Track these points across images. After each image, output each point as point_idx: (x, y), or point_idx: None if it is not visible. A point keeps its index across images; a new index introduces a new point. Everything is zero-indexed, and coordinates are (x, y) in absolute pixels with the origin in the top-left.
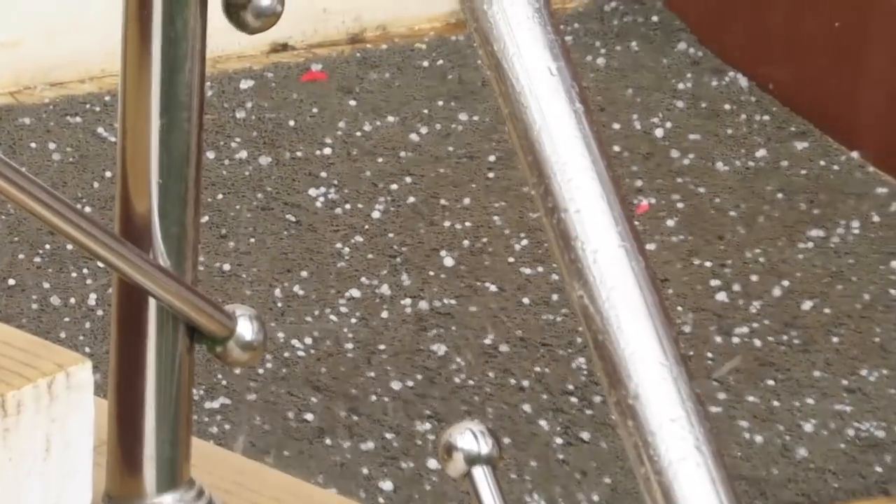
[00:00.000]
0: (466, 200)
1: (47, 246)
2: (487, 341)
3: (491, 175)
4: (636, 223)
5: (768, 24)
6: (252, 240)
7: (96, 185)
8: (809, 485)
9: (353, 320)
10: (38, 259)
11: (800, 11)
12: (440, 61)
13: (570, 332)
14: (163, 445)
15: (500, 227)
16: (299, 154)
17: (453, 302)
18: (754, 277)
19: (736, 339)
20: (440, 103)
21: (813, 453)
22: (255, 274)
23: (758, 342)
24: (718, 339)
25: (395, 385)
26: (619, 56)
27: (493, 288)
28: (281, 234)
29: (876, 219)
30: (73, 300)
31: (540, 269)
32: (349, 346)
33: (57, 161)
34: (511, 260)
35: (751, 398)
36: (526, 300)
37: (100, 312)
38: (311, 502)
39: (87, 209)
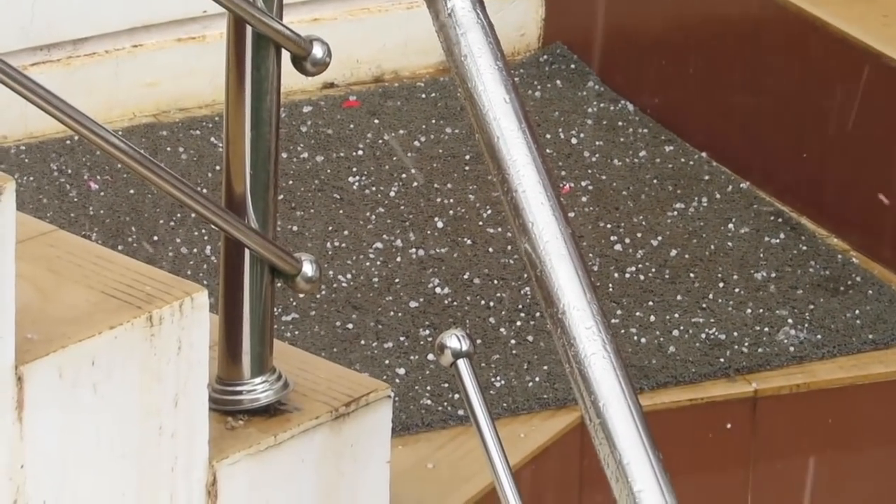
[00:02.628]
0: (449, 185)
1: (178, 214)
2: (465, 277)
3: (467, 168)
4: (562, 199)
5: (645, 68)
6: (311, 210)
7: (210, 175)
8: (676, 370)
9: (378, 263)
10: (172, 223)
11: (667, 62)
12: (433, 94)
13: (520, 270)
14: (254, 344)
15: (473, 202)
16: (342, 154)
17: (443, 251)
18: (639, 234)
19: (627, 276)
20: (433, 121)
21: (678, 350)
22: (314, 233)
23: (641, 277)
24: (616, 275)
25: (406, 305)
26: (548, 91)
27: (468, 242)
28: (330, 207)
29: (718, 196)
30: (195, 250)
31: (500, 229)
32: (375, 279)
33: (184, 159)
34: (480, 223)
35: (637, 314)
36: (490, 249)
37: (213, 259)
38: (350, 381)
39: (204, 190)
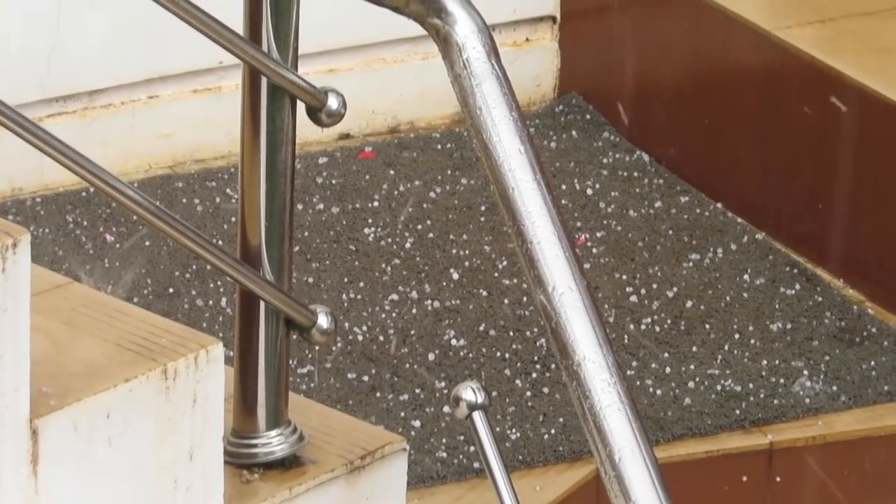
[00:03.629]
0: (465, 236)
1: (194, 266)
2: (481, 328)
3: (482, 219)
4: (577, 250)
5: (660, 118)
6: (327, 262)
7: (226, 226)
8: (692, 422)
9: (394, 315)
10: (188, 275)
11: (683, 112)
12: (449, 145)
13: (536, 321)
14: (270, 397)
15: (488, 253)
16: (358, 206)
17: (458, 302)
18: (654, 286)
19: (643, 327)
20: (448, 172)
21: (694, 402)
22: (329, 284)
23: (657, 328)
24: (632, 326)
25: (422, 357)
26: (564, 141)
27: (484, 293)
28: (346, 259)
29: (733, 247)
30: (210, 302)
31: (515, 280)
32: (391, 331)
33: (200, 211)
34: (496, 275)
35: (653, 365)
36: (506, 301)
37: (228, 311)
38: (366, 434)
39: (220, 242)
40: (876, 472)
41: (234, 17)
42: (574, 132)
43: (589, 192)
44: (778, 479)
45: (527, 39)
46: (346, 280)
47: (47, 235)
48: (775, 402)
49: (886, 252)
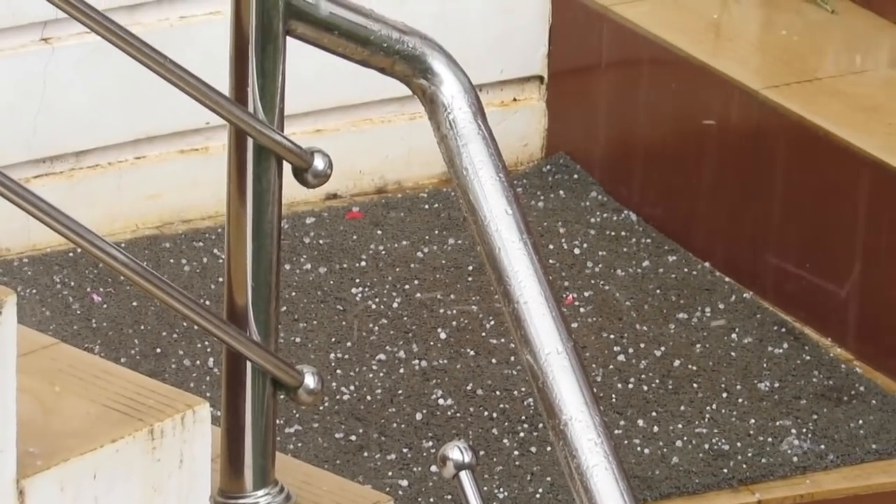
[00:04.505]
0: (452, 296)
1: (182, 327)
2: (468, 388)
3: (470, 279)
4: (564, 310)
5: (648, 178)
6: (314, 322)
7: (213, 286)
8: (680, 481)
9: (381, 374)
10: (175, 335)
11: (670, 171)
12: (436, 205)
13: (523, 381)
14: (257, 457)
15: (476, 313)
16: (345, 266)
17: (446, 362)
18: (642, 345)
19: (630, 386)
20: (436, 232)
21: (682, 460)
22: (317, 344)
23: (644, 387)
24: (619, 385)
25: (409, 416)
26: (551, 201)
27: (471, 353)
28: (333, 318)
29: (720, 306)
30: (198, 362)
31: (502, 340)
32: (378, 391)
33: (187, 271)
34: (483, 334)
35: (641, 424)
36: (493, 360)
37: (216, 371)
38: (353, 494)
39: (207, 302)
40: None
41: (220, 77)
42: (562, 192)
43: (576, 251)
44: None
45: (514, 99)
46: (333, 340)
47: (34, 296)
48: (763, 460)
49: (874, 311)
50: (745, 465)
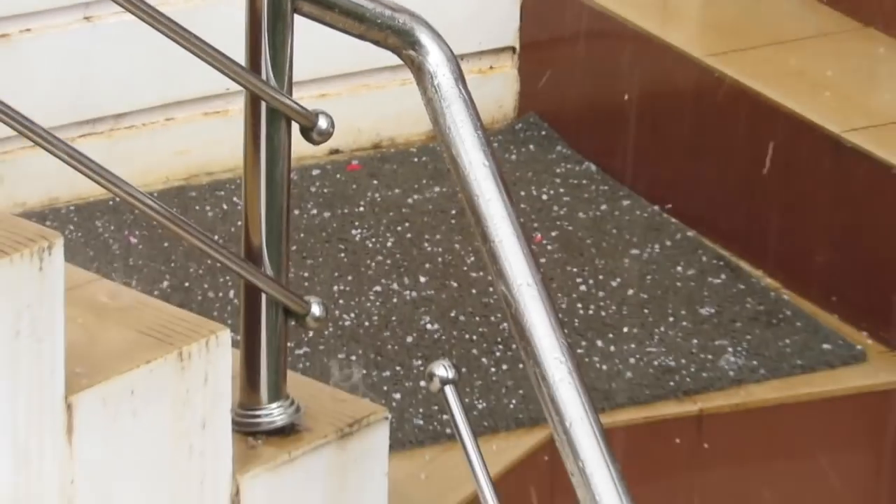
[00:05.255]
0: (438, 236)
1: (206, 264)
2: (452, 314)
3: (453, 221)
4: (534, 248)
5: (606, 134)
6: (320, 259)
7: (232, 229)
8: (633, 393)
9: (377, 303)
10: (200, 271)
11: (625, 128)
12: (424, 158)
13: (498, 308)
14: (270, 375)
15: (458, 250)
16: (346, 210)
17: (432, 292)
18: (600, 277)
19: (591, 312)
20: (424, 181)
21: (634, 375)
22: (322, 279)
23: (603, 313)
24: (581, 311)
25: (401, 339)
26: (522, 154)
27: (455, 284)
28: (336, 256)
29: (668, 243)
30: (220, 294)
31: (481, 273)
32: (375, 318)
33: (210, 216)
34: (465, 269)
35: (599, 344)
36: (473, 290)
37: (235, 301)
38: (353, 405)
39: (227, 242)
40: (790, 434)
41: (238, 49)
42: (531, 146)
43: (544, 197)
44: (706, 444)
45: (490, 67)
46: (336, 275)
47: (80, 238)
48: (704, 374)
49: (799, 246)
50: (688, 379)
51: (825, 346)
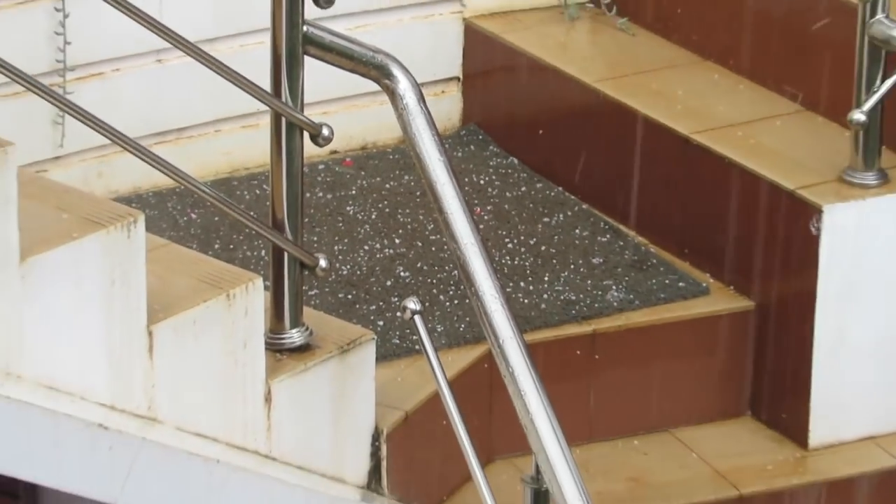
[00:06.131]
0: (408, 210)
1: (246, 230)
2: (419, 266)
3: (418, 200)
4: (475, 218)
5: (525, 137)
6: (325, 228)
7: (263, 208)
8: (546, 319)
9: (366, 259)
10: (241, 237)
11: (538, 132)
12: (397, 156)
13: (450, 260)
14: (291, 309)
15: (422, 220)
16: (342, 193)
17: (404, 250)
18: (522, 238)
19: (516, 263)
20: (397, 172)
21: (547, 307)
22: (326, 241)
23: (525, 263)
24: (509, 262)
25: (384, 284)
26: (466, 152)
27: (420, 245)
28: (335, 226)
29: (569, 213)
30: (255, 254)
31: (438, 237)
32: (364, 268)
33: (248, 198)
34: (426, 233)
35: (522, 285)
36: (433, 249)
37: (266, 258)
38: (350, 330)
39: (259, 216)
40: (658, 347)
41: (264, 80)
42: (472, 147)
43: (481, 182)
44: (597, 356)
45: (442, 91)
46: (336, 238)
47: (156, 215)
48: (596, 305)
49: (661, 214)
50: (585, 308)
51: (681, 284)
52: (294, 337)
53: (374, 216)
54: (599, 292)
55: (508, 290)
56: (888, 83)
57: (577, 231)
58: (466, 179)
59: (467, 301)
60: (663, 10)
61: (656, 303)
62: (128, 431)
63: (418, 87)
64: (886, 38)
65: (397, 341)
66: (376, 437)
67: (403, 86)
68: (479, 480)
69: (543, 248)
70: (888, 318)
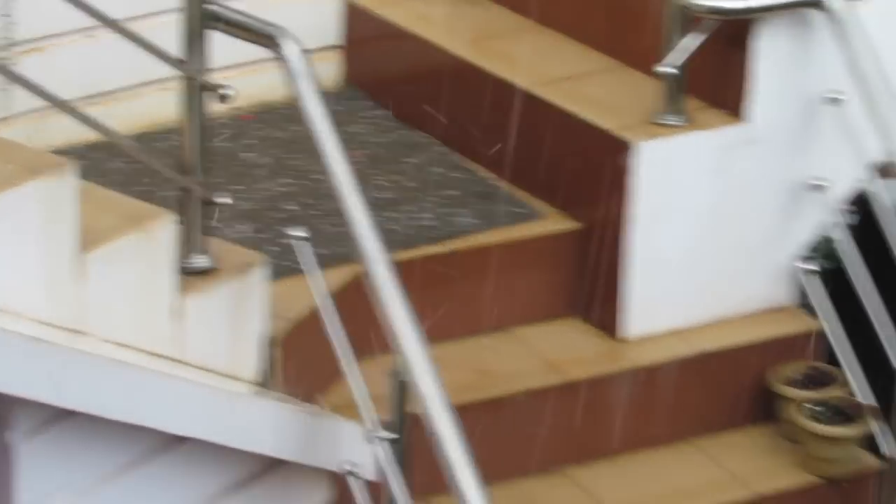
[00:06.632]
0: (298, 153)
1: (162, 176)
2: (304, 201)
3: (305, 144)
4: (353, 160)
5: (391, 91)
6: (227, 171)
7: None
8: (409, 240)
9: (260, 197)
10: (157, 182)
11: (402, 89)
12: (289, 110)
13: (330, 195)
14: (198, 238)
15: (307, 160)
16: (244, 142)
17: (294, 188)
18: (390, 175)
19: (385, 195)
20: (287, 123)
21: (410, 230)
22: (228, 181)
23: (392, 194)
24: (378, 194)
25: (275, 217)
26: (343, 105)
27: (306, 182)
28: (234, 170)
29: (426, 154)
30: (169, 194)
31: (321, 176)
32: (260, 204)
33: (166, 147)
34: (312, 173)
35: (386, 214)
36: (317, 186)
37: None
38: (248, 255)
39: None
40: (502, 261)
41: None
42: (349, 102)
43: (357, 130)
44: (452, 271)
45: (325, 56)
46: (236, 180)
47: (87, 164)
48: (450, 229)
49: (504, 152)
50: (440, 232)
51: (520, 210)
52: (200, 262)
53: (268, 160)
54: (454, 218)
55: (377, 217)
56: (688, 39)
57: (435, 169)
58: (344, 129)
59: (343, 227)
60: None
61: (500, 226)
62: (60, 343)
63: (304, 54)
64: (685, 4)
65: (287, 263)
66: (269, 343)
67: (291, 52)
68: (353, 375)
69: (407, 183)
70: (690, 235)
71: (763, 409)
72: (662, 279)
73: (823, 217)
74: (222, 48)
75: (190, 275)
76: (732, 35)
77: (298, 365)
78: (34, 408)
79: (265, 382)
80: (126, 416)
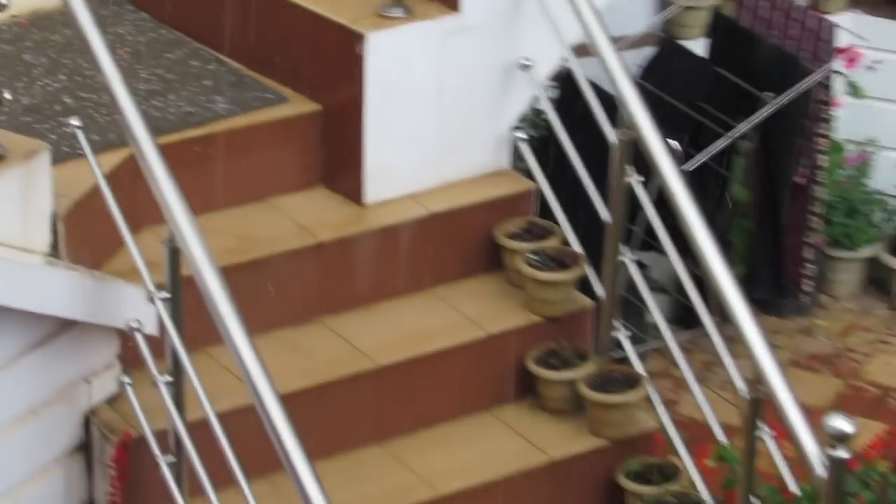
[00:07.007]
0: (69, 53)
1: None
2: (79, 94)
3: (75, 46)
4: (115, 56)
5: (157, 4)
6: (8, 71)
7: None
8: (173, 126)
9: (42, 93)
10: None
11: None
12: (60, 17)
13: (100, 89)
14: None
15: (77, 61)
16: (24, 44)
17: (71, 85)
18: (158, 70)
19: (148, 86)
20: (60, 27)
21: (173, 117)
22: (8, 79)
23: (156, 87)
24: (143, 87)
25: (58, 112)
26: (110, 11)
27: (79, 78)
28: (17, 68)
29: (186, 50)
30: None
31: (92, 73)
32: (39, 98)
33: None
34: (84, 70)
35: (154, 102)
36: (89, 81)
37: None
38: (32, 143)
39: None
40: (259, 139)
41: None
42: (114, 7)
43: (121, 31)
44: (210, 151)
45: None
46: (17, 78)
47: None
48: (208, 115)
49: (253, 46)
50: (200, 117)
51: (270, 95)
52: None
53: (44, 60)
54: (211, 105)
55: (144, 107)
56: None
57: (192, 62)
58: (110, 30)
59: (116, 117)
60: None
61: (253, 110)
62: None
63: None
64: None
65: (67, 149)
66: (54, 218)
67: None
68: (131, 245)
69: (168, 76)
70: (418, 112)
71: (491, 259)
72: (397, 151)
73: (532, 92)
74: None
75: None
76: None
77: (84, 237)
78: None
79: (55, 254)
80: None
